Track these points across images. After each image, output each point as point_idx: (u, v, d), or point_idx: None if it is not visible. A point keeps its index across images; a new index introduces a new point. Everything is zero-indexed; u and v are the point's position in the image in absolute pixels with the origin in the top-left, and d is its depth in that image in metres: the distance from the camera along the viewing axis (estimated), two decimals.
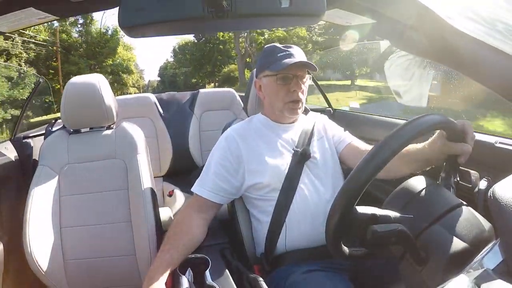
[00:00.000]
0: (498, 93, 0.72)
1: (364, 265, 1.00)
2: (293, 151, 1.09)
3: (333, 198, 0.64)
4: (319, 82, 2.40)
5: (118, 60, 20.02)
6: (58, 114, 1.46)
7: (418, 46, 0.85)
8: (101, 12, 19.07)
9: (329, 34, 19.27)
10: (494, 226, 0.61)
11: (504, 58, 0.68)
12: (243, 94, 1.46)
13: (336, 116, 2.17)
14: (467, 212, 0.65)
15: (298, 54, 1.07)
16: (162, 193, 2.15)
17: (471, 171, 0.93)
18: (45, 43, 16.69)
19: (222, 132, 1.18)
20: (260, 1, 0.64)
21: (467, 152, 0.76)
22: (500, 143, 1.04)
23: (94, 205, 1.24)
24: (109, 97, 1.28)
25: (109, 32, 19.89)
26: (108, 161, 1.29)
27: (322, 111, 2.15)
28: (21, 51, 15.06)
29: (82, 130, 1.34)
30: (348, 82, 5.52)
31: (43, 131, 1.73)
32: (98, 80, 1.28)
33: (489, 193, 0.51)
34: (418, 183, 0.71)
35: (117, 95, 2.29)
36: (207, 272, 0.90)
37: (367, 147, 1.12)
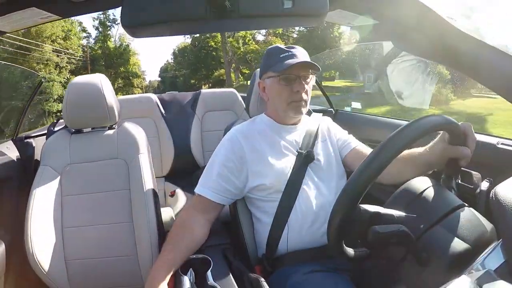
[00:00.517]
0: (498, 94, 0.72)
1: (365, 265, 1.00)
2: (297, 153, 1.09)
3: (335, 200, 0.64)
4: None
5: (129, 68, 25.73)
6: None
7: (419, 46, 0.85)
8: (114, 29, 24.16)
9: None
10: (496, 227, 0.61)
11: (505, 59, 0.68)
12: (245, 94, 1.46)
13: (338, 117, 2.17)
14: (469, 213, 0.65)
15: (301, 55, 1.06)
16: (164, 193, 2.15)
17: (473, 172, 0.93)
18: (81, 58, 22.82)
19: (225, 133, 1.18)
20: (263, 2, 0.64)
21: (468, 155, 0.76)
22: (502, 144, 1.04)
23: (95, 205, 1.24)
24: (111, 97, 1.28)
25: (123, 46, 25.54)
26: (110, 161, 1.29)
27: (324, 111, 2.16)
28: (66, 64, 20.95)
29: (84, 130, 1.34)
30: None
31: (45, 131, 1.74)
32: (100, 80, 1.27)
33: (491, 194, 0.51)
34: (420, 184, 0.71)
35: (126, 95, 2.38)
36: (209, 273, 0.90)
37: None
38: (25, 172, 1.54)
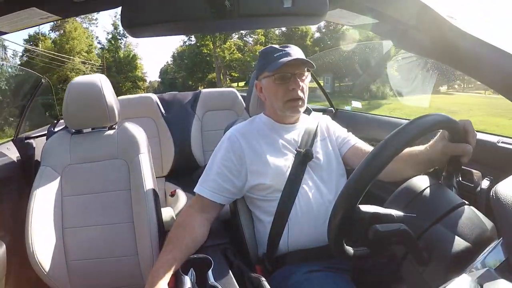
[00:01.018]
0: (498, 92, 0.72)
1: (366, 265, 1.00)
2: (295, 152, 1.09)
3: (335, 199, 0.64)
4: None
5: (136, 73, 29.75)
6: None
7: (420, 45, 0.85)
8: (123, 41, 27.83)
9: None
10: (496, 225, 0.61)
11: (505, 57, 0.68)
12: (245, 94, 1.46)
13: (338, 116, 2.17)
14: (469, 212, 0.65)
15: (295, 53, 1.06)
16: (164, 193, 2.15)
17: (473, 171, 0.93)
18: (99, 67, 26.61)
19: (225, 132, 1.18)
20: (263, 1, 0.64)
21: (469, 152, 0.76)
22: (502, 142, 1.04)
23: (96, 206, 1.24)
24: (111, 97, 1.28)
25: (131, 55, 29.46)
26: (110, 161, 1.29)
27: (324, 111, 2.16)
28: (90, 72, 24.51)
29: (84, 131, 1.34)
30: None
31: (45, 132, 1.74)
32: (100, 80, 1.27)
33: (491, 193, 0.51)
34: (420, 182, 0.71)
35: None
36: (210, 272, 0.90)
37: (371, 149, 1.11)
38: (25, 173, 1.54)
